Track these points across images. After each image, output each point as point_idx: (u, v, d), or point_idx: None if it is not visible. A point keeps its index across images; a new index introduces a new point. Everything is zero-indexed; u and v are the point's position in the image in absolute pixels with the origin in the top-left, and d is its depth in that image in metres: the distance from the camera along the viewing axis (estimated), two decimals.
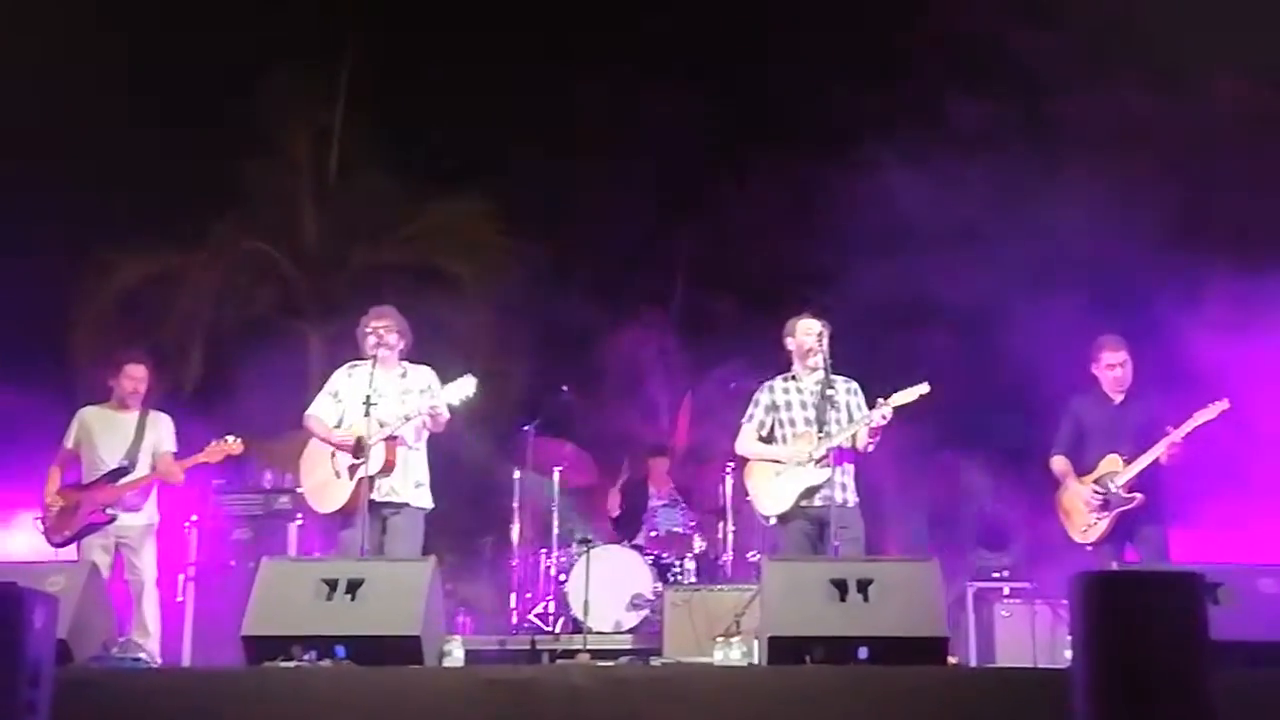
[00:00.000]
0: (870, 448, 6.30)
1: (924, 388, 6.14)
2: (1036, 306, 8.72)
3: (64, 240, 10.17)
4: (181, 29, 10.21)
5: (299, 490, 6.83)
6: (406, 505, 6.31)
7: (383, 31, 11.50)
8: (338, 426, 6.37)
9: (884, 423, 6.15)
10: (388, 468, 6.20)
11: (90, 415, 7.17)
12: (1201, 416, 6.34)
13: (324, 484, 6.33)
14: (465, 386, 6.14)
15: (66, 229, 10.12)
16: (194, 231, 11.43)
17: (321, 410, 6.46)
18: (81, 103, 9.42)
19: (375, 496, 6.17)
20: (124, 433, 7.08)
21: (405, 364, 6.51)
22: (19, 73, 8.96)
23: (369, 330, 6.41)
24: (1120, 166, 9.28)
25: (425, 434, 6.42)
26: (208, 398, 11.02)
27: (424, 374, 6.50)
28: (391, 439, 6.20)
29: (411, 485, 6.34)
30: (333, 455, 6.31)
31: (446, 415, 6.30)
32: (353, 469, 6.19)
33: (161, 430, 7.16)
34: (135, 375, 7.15)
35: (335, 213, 12.27)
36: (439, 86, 11.23)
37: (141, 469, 7.03)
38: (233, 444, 6.94)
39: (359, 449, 6.15)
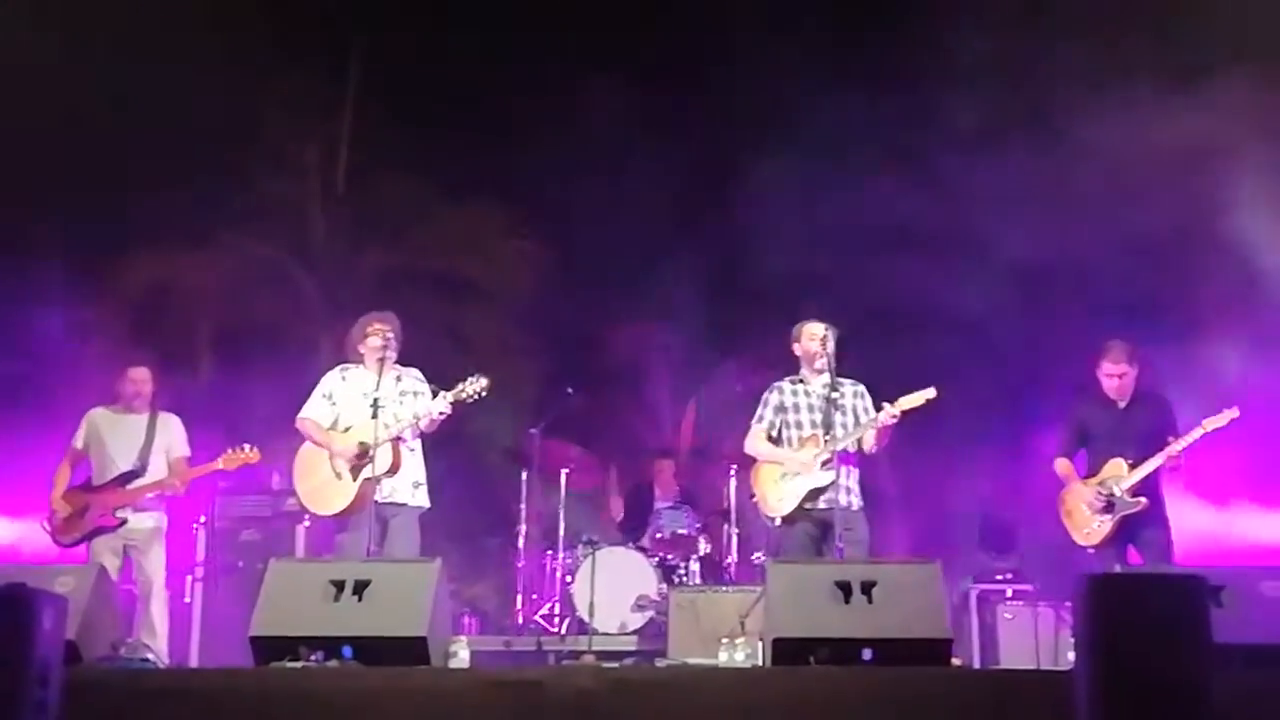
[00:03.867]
0: (876, 449, 6.34)
1: (931, 392, 6.16)
2: (1040, 309, 8.73)
3: (77, 244, 10.22)
4: (192, 34, 10.24)
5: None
6: (405, 506, 6.32)
7: (390, 37, 11.51)
8: (332, 428, 6.38)
9: (891, 423, 6.19)
10: (394, 468, 6.21)
11: (99, 416, 7.17)
12: (1210, 424, 6.31)
13: (324, 485, 6.32)
14: (477, 385, 6.17)
15: (79, 233, 10.17)
16: (205, 236, 11.46)
17: (315, 413, 6.44)
18: (93, 110, 9.47)
19: (378, 498, 6.19)
20: (134, 434, 7.08)
21: (397, 366, 6.50)
22: (32, 79, 9.00)
23: (371, 332, 6.41)
24: (1125, 169, 9.26)
25: (419, 434, 6.43)
26: (217, 400, 11.06)
27: (415, 375, 6.53)
28: (396, 439, 6.22)
29: (410, 485, 6.35)
30: (331, 457, 6.31)
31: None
32: (355, 470, 6.21)
33: (173, 433, 7.17)
34: (137, 378, 7.15)
35: (345, 218, 12.29)
36: (448, 92, 11.25)
37: (154, 471, 7.04)
38: (249, 453, 6.95)
39: (363, 453, 6.17)
